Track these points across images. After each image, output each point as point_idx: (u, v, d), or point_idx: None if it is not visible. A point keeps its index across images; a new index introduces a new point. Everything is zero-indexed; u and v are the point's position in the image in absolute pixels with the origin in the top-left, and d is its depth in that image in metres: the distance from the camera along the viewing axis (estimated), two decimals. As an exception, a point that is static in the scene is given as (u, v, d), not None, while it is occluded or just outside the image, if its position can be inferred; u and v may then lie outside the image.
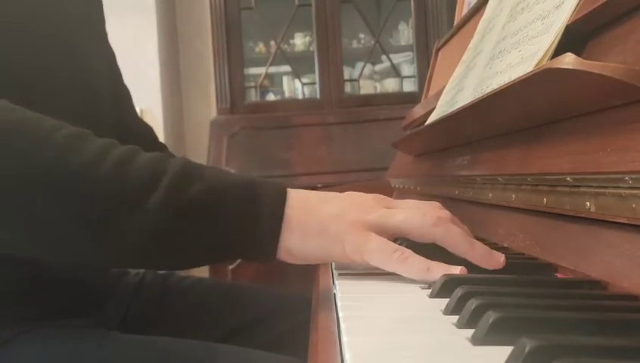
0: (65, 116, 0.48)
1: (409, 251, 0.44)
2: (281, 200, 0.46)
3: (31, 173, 0.44)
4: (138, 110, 0.94)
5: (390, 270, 0.44)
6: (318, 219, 0.46)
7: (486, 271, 0.46)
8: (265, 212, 0.45)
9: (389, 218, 0.46)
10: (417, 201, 0.51)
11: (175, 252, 0.46)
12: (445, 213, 0.48)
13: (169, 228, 0.44)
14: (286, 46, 2.63)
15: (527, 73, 0.44)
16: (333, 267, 0.52)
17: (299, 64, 2.63)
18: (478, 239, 0.63)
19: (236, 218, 0.45)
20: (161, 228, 0.44)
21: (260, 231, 0.45)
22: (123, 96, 0.90)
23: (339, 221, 0.46)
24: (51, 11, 0.64)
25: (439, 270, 0.43)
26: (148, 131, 0.94)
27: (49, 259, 0.53)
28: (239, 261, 2.32)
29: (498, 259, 0.45)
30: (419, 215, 0.46)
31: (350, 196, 0.49)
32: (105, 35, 0.84)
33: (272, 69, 2.65)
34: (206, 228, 0.45)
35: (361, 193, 0.50)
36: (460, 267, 0.43)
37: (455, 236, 0.46)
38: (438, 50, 1.34)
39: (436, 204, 0.50)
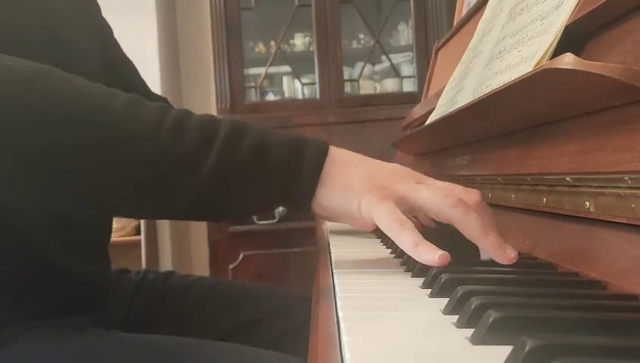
0: None
1: (411, 224, 0.46)
2: (322, 157, 0.50)
3: (95, 140, 0.46)
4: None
5: (388, 235, 0.47)
6: (348, 176, 0.50)
7: (488, 269, 0.46)
8: (306, 167, 0.49)
9: (412, 191, 0.48)
10: (451, 184, 0.51)
11: (227, 204, 0.50)
12: (471, 198, 0.49)
13: (223, 182, 0.48)
14: (286, 46, 2.63)
15: (527, 73, 0.44)
16: (333, 267, 0.52)
17: (299, 64, 2.63)
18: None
19: (281, 172, 0.49)
20: (217, 183, 0.48)
21: (300, 183, 0.49)
22: (121, 70, 0.88)
23: (365, 182, 0.49)
24: None
25: (425, 249, 0.44)
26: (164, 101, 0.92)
27: (104, 215, 0.58)
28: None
29: (510, 254, 0.45)
30: (441, 194, 0.47)
31: (386, 164, 0.52)
32: (96, 9, 0.82)
33: (272, 70, 2.65)
34: (254, 181, 0.49)
35: (399, 166, 0.53)
36: (442, 253, 0.44)
37: (470, 221, 0.46)
38: (438, 50, 1.34)
39: (468, 190, 0.50)
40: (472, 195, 0.49)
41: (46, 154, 0.46)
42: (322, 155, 0.50)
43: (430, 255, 0.44)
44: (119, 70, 0.87)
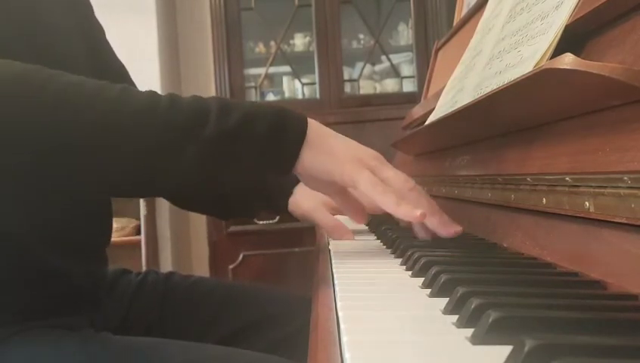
0: None
1: (392, 189, 0.56)
2: (304, 124, 0.57)
3: (97, 126, 0.50)
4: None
5: (371, 195, 0.55)
6: (330, 143, 0.57)
7: (488, 269, 0.46)
8: (290, 132, 0.56)
9: (381, 169, 0.58)
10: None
11: (223, 172, 0.55)
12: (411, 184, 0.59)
13: (219, 150, 0.53)
14: (286, 46, 2.63)
15: (527, 73, 0.44)
16: (332, 267, 0.52)
17: (299, 64, 2.63)
18: (477, 239, 0.63)
19: (268, 137, 0.55)
20: (213, 151, 0.53)
21: (286, 146, 0.56)
22: (111, 75, 0.84)
23: (346, 151, 0.57)
24: None
25: (406, 207, 0.55)
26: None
27: (111, 192, 0.64)
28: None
29: (416, 213, 0.55)
30: (403, 177, 0.58)
31: (357, 143, 0.60)
32: (88, 12, 0.81)
33: (272, 70, 2.65)
34: (245, 147, 0.54)
35: (366, 147, 0.61)
36: (422, 211, 0.55)
37: (415, 198, 0.57)
38: (437, 50, 1.34)
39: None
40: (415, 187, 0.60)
41: (54, 145, 0.49)
42: (304, 123, 0.57)
43: (412, 211, 0.54)
44: (109, 76, 0.86)
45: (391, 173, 0.58)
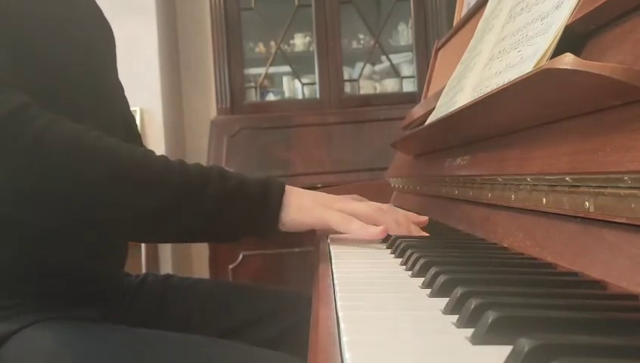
0: (83, 112, 0.66)
1: (355, 219, 0.66)
2: (282, 192, 0.68)
3: (126, 180, 0.62)
4: (137, 109, 0.95)
5: (340, 228, 0.67)
6: (301, 202, 0.69)
7: (488, 269, 0.46)
8: (271, 199, 0.67)
9: (346, 205, 0.69)
10: (369, 202, 0.74)
11: (218, 225, 0.66)
12: (384, 206, 0.71)
13: (217, 208, 0.65)
14: (286, 46, 2.63)
15: (527, 73, 0.44)
16: (333, 267, 0.52)
17: (299, 64, 2.63)
18: (477, 239, 0.63)
19: (255, 202, 0.67)
20: (212, 208, 0.64)
21: (269, 209, 0.67)
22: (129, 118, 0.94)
23: (313, 202, 0.69)
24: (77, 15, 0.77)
25: (372, 229, 0.65)
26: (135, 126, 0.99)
27: (133, 237, 0.76)
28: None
29: (377, 231, 0.65)
30: (366, 206, 0.70)
31: (325, 194, 0.73)
32: (116, 70, 0.90)
33: (272, 70, 2.65)
34: (238, 207, 0.66)
35: (334, 195, 0.74)
36: (382, 228, 0.65)
37: (387, 217, 0.68)
38: (437, 50, 1.34)
39: (384, 205, 0.72)
40: (385, 205, 0.72)
41: (153, 206, 0.63)
42: (281, 190, 0.68)
43: (375, 231, 0.65)
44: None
45: (355, 205, 0.69)
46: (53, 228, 0.67)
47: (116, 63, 0.89)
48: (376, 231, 0.65)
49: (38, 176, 0.58)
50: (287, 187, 0.70)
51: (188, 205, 0.63)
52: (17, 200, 0.60)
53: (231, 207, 0.65)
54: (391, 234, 0.66)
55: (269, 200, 0.67)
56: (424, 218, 0.72)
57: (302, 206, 0.68)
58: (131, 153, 0.63)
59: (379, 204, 0.71)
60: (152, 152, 0.67)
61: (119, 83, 0.90)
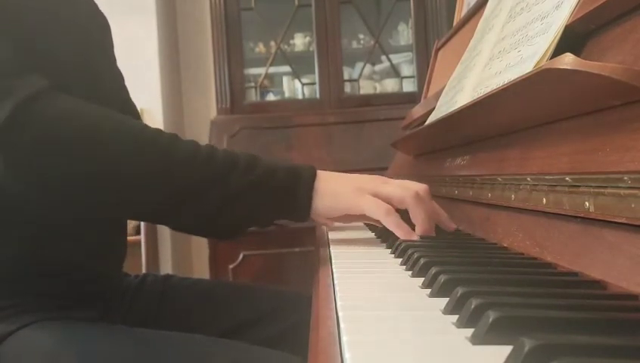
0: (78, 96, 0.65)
1: (393, 210, 0.64)
2: (313, 177, 0.67)
3: (154, 166, 0.62)
4: (138, 109, 0.95)
5: (376, 217, 0.64)
6: (334, 188, 0.67)
7: (488, 269, 0.46)
8: (302, 186, 0.66)
9: (381, 188, 0.66)
10: (405, 180, 0.70)
11: (241, 213, 0.66)
12: (421, 188, 0.67)
13: (242, 195, 0.64)
14: (286, 46, 2.63)
15: (527, 73, 0.44)
16: (333, 267, 0.52)
17: (299, 64, 2.63)
18: (477, 239, 0.63)
19: (284, 189, 0.66)
20: (237, 195, 0.64)
21: (298, 200, 0.66)
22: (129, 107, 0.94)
23: (346, 187, 0.67)
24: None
25: (407, 229, 0.63)
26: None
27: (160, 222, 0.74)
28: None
29: (414, 236, 0.63)
30: (401, 189, 0.66)
31: (358, 175, 0.70)
32: (114, 58, 0.89)
33: (272, 70, 2.65)
34: (264, 196, 0.65)
35: (366, 175, 0.71)
36: (415, 234, 0.63)
37: (419, 208, 0.65)
38: (437, 50, 1.34)
39: (418, 184, 0.68)
40: (422, 186, 0.67)
41: (176, 189, 0.63)
42: (313, 176, 0.67)
43: (410, 235, 0.62)
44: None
45: (390, 189, 0.66)
46: (60, 223, 0.67)
47: (113, 51, 0.87)
48: (411, 234, 0.63)
49: (59, 164, 0.59)
50: (319, 173, 0.68)
51: (212, 190, 0.63)
52: (42, 185, 0.61)
53: (256, 196, 0.65)
54: (419, 234, 0.64)
55: (298, 189, 0.66)
56: (452, 226, 0.70)
57: (335, 192, 0.66)
58: (156, 136, 0.64)
59: (414, 186, 0.67)
60: (177, 136, 0.67)
61: (118, 71, 0.89)
